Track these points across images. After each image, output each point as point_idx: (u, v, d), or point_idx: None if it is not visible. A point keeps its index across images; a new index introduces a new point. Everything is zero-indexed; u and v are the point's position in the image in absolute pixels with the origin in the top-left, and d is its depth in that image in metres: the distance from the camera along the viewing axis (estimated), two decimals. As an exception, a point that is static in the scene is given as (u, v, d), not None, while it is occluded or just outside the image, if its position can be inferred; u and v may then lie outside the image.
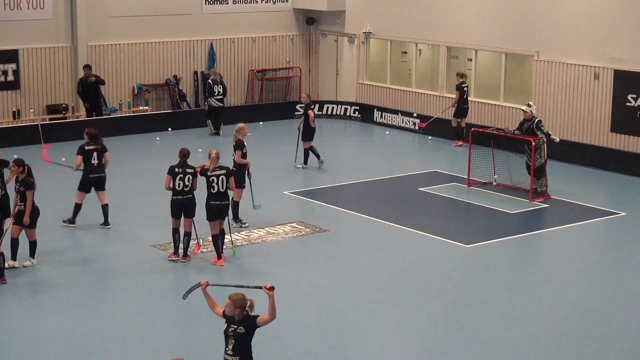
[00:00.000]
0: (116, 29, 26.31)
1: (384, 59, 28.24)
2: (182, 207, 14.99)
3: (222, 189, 14.84)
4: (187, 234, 15.14)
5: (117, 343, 12.29)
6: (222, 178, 14.83)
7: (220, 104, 25.62)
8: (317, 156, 21.78)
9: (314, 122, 21.47)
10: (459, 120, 24.62)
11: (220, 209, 14.97)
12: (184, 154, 15.06)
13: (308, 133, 21.57)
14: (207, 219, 15.08)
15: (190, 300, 13.98)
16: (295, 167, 21.81)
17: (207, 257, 15.49)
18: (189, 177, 14.91)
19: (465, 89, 24.39)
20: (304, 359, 11.92)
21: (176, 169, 14.95)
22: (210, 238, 15.49)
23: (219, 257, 15.17)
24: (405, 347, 12.35)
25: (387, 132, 26.35)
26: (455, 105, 24.43)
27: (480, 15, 25.14)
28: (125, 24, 26.39)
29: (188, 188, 14.93)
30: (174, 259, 15.25)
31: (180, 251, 15.28)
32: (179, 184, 14.88)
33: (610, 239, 17.61)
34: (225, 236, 15.49)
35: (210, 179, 14.79)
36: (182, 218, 15.11)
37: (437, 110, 26.09)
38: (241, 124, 17.13)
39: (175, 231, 15.12)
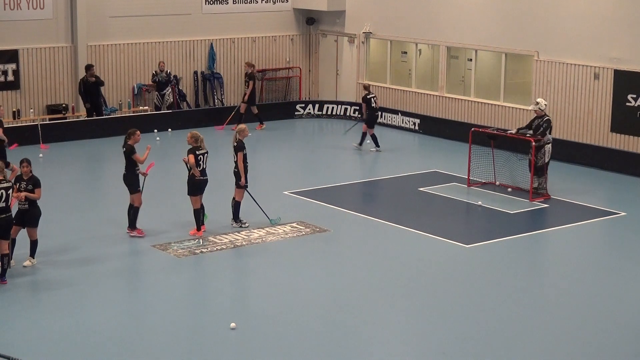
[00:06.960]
0: (116, 29, 26.31)
1: (384, 59, 28.24)
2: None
3: (205, 166, 16.60)
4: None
5: (117, 343, 12.28)
6: (206, 156, 16.63)
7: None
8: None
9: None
10: (250, 107, 26.22)
11: (204, 183, 16.61)
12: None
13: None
14: (190, 194, 16.56)
15: (191, 301, 14.03)
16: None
17: (204, 257, 15.56)
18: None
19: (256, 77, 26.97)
20: (304, 359, 11.91)
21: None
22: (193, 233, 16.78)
23: (199, 229, 16.63)
24: (405, 347, 12.35)
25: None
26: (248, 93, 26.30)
27: (480, 15, 25.14)
28: (125, 24, 26.39)
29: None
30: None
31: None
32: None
33: (610, 239, 17.61)
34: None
35: (198, 158, 16.45)
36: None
37: (437, 110, 26.16)
38: (243, 125, 17.45)
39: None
